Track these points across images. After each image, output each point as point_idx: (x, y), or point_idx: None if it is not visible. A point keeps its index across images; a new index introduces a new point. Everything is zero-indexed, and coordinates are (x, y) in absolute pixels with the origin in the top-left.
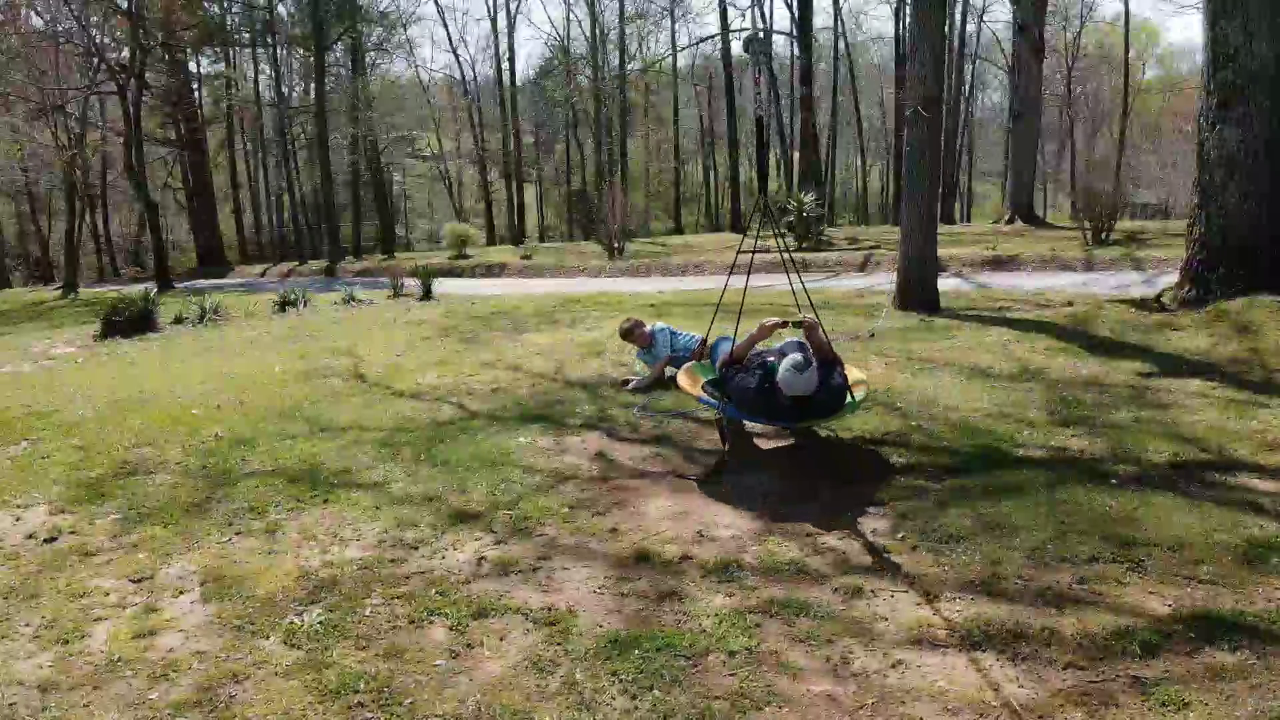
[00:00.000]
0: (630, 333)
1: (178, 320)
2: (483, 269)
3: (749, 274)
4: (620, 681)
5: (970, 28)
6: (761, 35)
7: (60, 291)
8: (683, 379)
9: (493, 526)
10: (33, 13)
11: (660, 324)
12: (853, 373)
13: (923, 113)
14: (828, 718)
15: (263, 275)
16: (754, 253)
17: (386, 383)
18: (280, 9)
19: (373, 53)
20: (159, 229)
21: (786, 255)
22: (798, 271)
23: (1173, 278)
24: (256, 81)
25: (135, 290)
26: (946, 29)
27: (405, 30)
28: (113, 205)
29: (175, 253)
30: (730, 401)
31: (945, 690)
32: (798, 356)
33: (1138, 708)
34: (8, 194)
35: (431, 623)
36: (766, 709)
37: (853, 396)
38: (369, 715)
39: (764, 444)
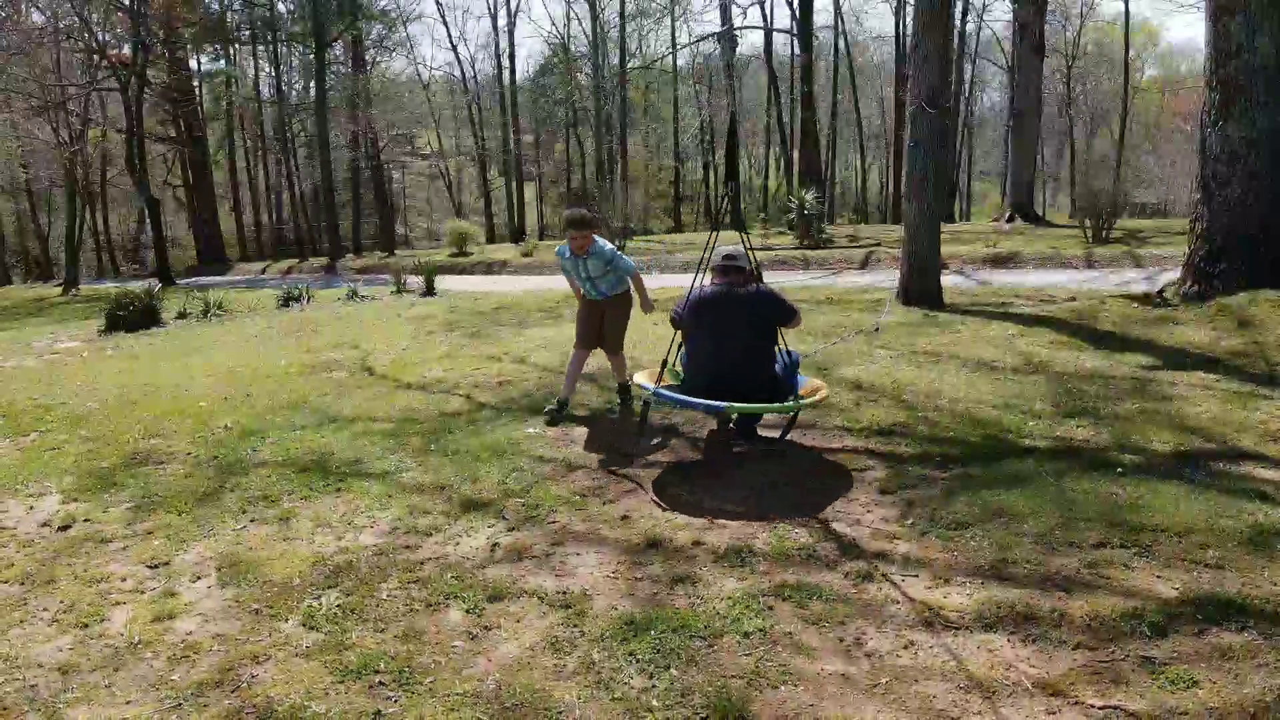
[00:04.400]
0: (588, 223)
1: (181, 315)
2: (484, 266)
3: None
4: (637, 661)
5: (970, 27)
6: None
7: (61, 288)
8: (643, 377)
9: (504, 514)
10: (34, 9)
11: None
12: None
13: (927, 108)
14: (842, 696)
15: (263, 272)
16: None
17: (393, 376)
18: (280, 6)
19: (373, 50)
20: (160, 225)
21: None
22: None
23: (1173, 274)
24: (257, 79)
25: (137, 286)
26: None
27: (405, 27)
28: (112, 202)
29: (175, 250)
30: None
31: (957, 670)
32: None
33: (1147, 685)
34: (8, 191)
35: (448, 606)
36: (782, 687)
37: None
38: (390, 694)
39: (773, 435)
